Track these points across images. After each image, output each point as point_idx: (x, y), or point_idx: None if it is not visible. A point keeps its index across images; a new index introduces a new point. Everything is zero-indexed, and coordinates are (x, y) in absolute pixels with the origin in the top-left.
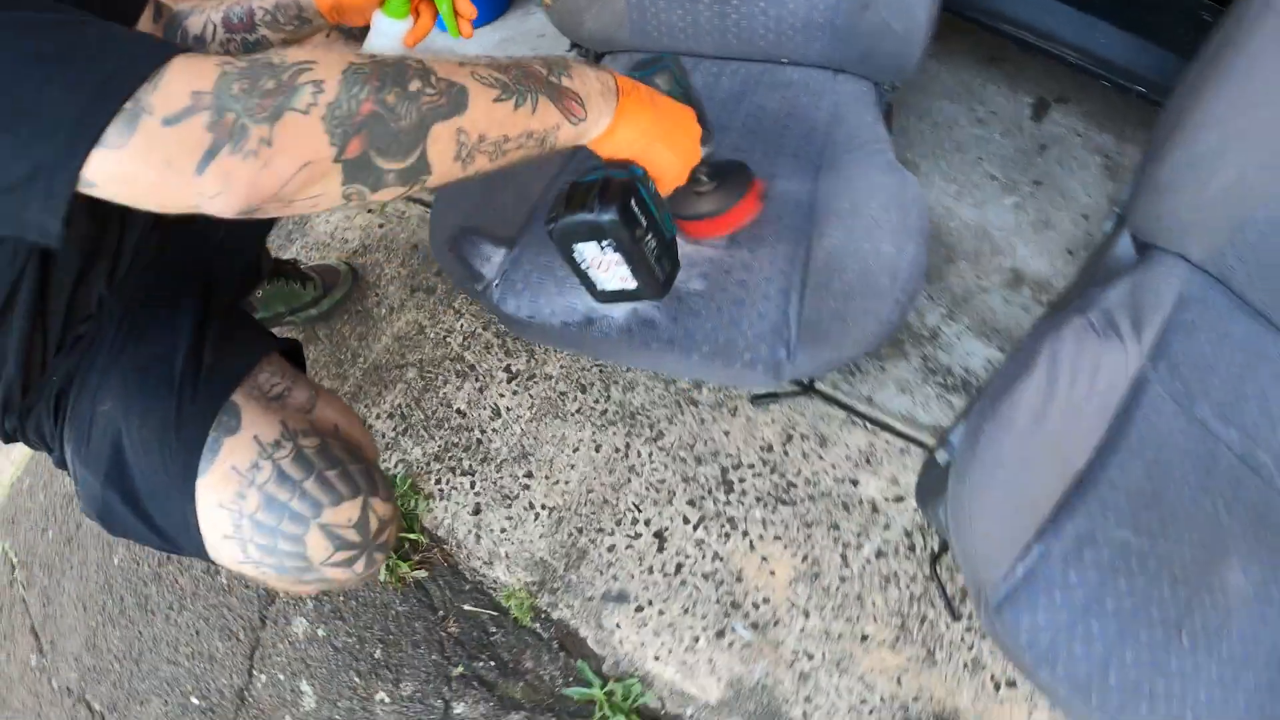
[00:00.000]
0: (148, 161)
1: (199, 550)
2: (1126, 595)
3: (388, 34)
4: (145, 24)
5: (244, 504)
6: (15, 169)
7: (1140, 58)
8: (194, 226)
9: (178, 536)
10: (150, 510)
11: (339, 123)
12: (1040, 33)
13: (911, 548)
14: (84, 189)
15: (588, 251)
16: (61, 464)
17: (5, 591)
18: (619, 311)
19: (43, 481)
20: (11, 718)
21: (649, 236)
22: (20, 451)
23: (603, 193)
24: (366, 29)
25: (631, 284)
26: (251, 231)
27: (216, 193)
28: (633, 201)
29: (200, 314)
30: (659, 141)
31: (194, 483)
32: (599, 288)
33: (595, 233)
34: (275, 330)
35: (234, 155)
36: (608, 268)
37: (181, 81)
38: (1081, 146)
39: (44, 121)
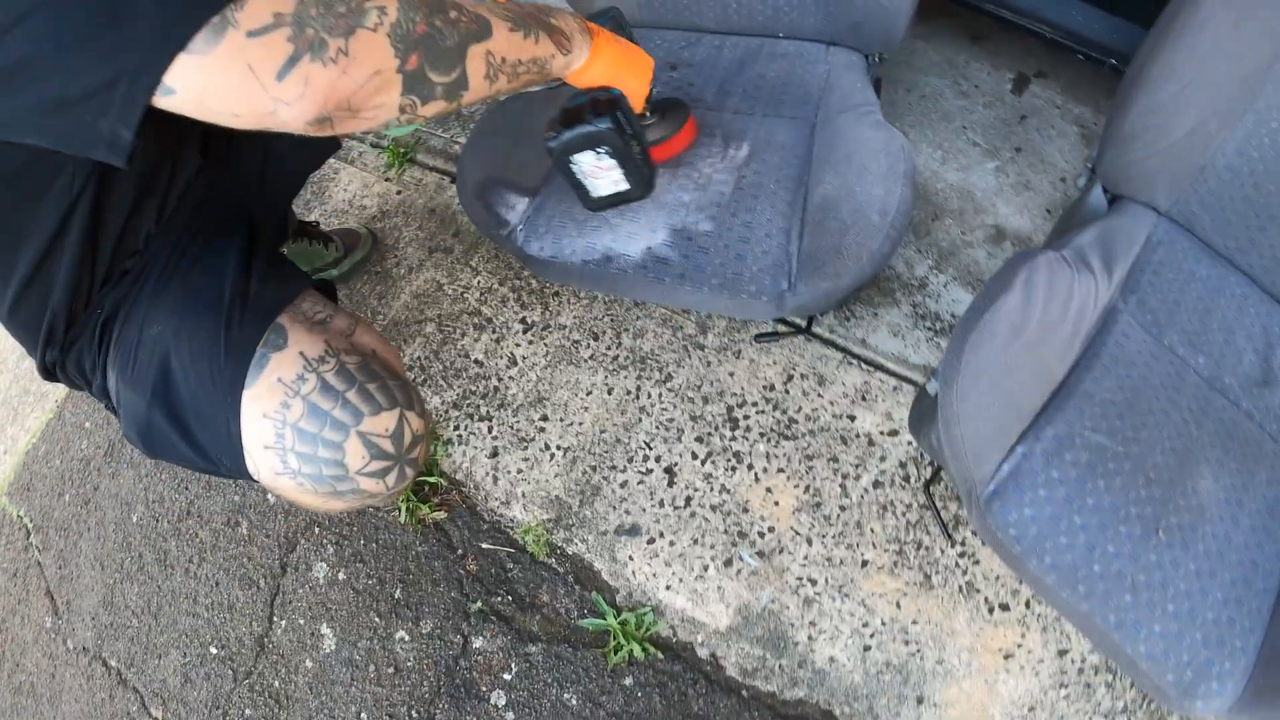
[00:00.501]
0: (231, 67)
1: (237, 464)
2: (1105, 493)
3: None
4: None
5: (288, 413)
6: (99, 73)
7: (1113, 32)
8: (237, 170)
9: (218, 452)
10: (193, 427)
11: (401, 40)
12: (1018, 10)
13: (906, 478)
14: (162, 96)
15: (585, 161)
16: (103, 393)
17: (20, 557)
18: (634, 249)
19: (59, 448)
20: (25, 680)
21: (634, 142)
22: (35, 420)
23: (594, 107)
24: None
25: (624, 185)
26: (288, 180)
27: (295, 97)
28: (619, 112)
29: (245, 250)
30: (625, 70)
31: (240, 395)
32: (594, 194)
33: (592, 141)
34: None
35: (314, 63)
36: (602, 174)
37: (264, 3)
38: (1060, 117)
39: (135, 28)
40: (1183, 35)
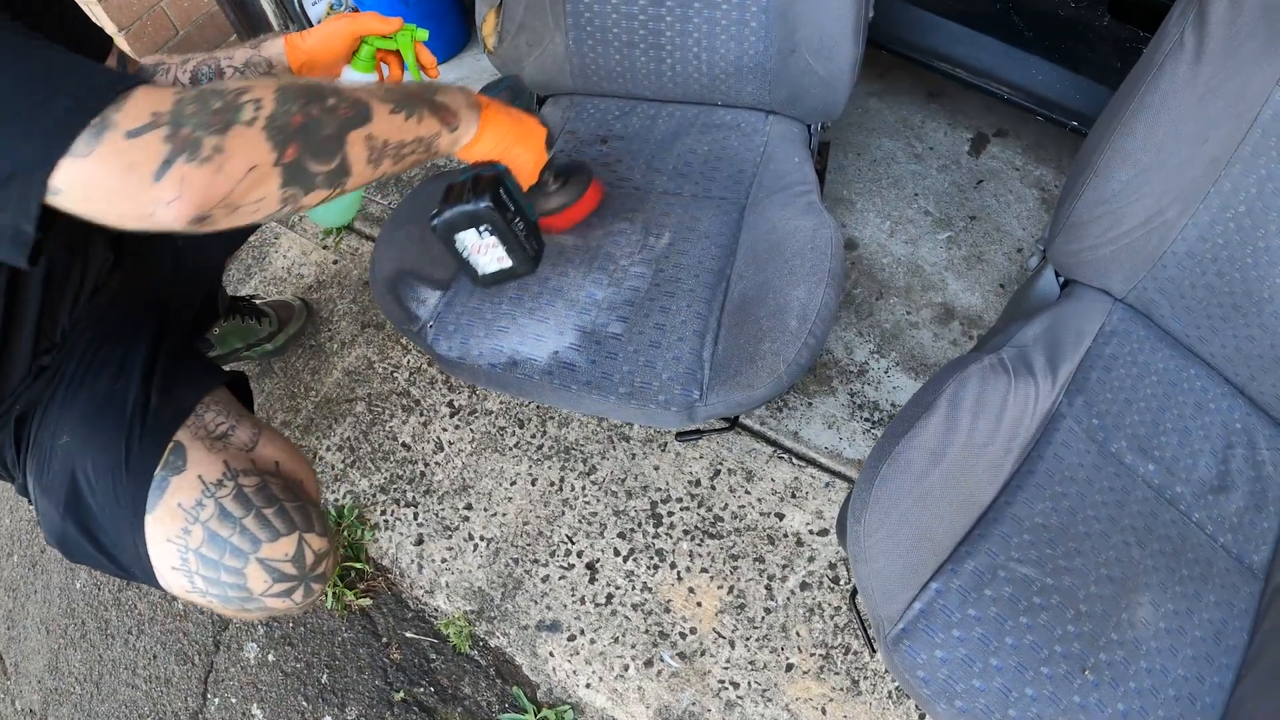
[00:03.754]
0: (110, 168)
1: (149, 578)
2: (1027, 631)
3: None
4: None
5: (189, 539)
6: None
7: (1074, 93)
8: (151, 262)
9: (130, 565)
10: (104, 541)
11: (277, 132)
12: (974, 70)
13: (835, 580)
14: (50, 197)
15: (468, 239)
16: (24, 492)
17: None
18: (541, 353)
19: (8, 507)
20: None
21: (518, 219)
22: None
23: (475, 185)
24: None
25: (508, 262)
26: (206, 265)
27: (173, 198)
28: (501, 190)
29: (152, 351)
30: (516, 143)
31: (143, 517)
32: (481, 272)
33: (474, 220)
34: (232, 365)
35: (190, 163)
36: (486, 251)
37: (143, 103)
38: (1019, 180)
39: (24, 125)
40: (1138, 118)
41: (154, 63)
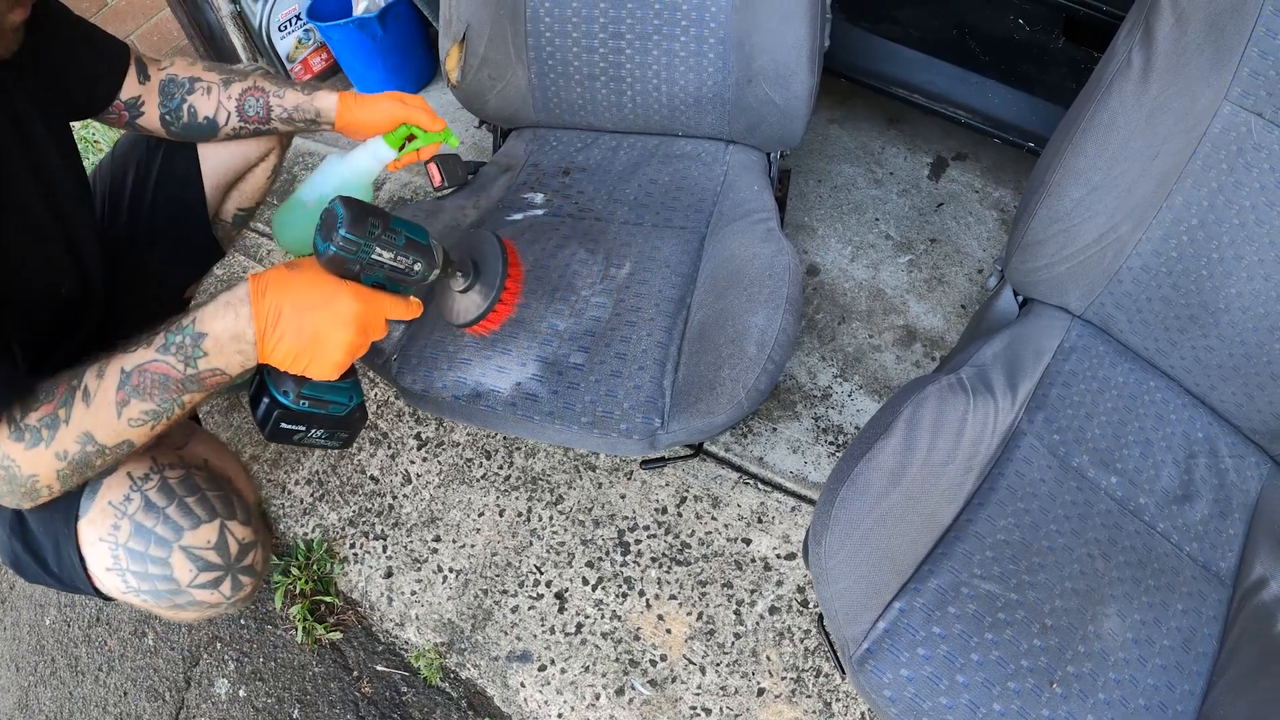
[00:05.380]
0: None
1: (89, 589)
2: (993, 647)
3: (378, 157)
4: (131, 86)
5: (118, 534)
6: None
7: (1030, 115)
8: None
9: (71, 578)
10: (46, 557)
11: (66, 491)
12: (932, 95)
13: (804, 603)
14: None
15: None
16: None
17: None
18: (504, 384)
19: None
20: None
21: (314, 431)
22: None
23: (272, 437)
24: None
25: (334, 443)
26: (168, 296)
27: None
28: (282, 426)
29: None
30: (313, 342)
31: (75, 525)
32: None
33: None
34: None
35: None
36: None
37: None
38: (978, 202)
39: None
40: (1089, 134)
41: (188, 75)
